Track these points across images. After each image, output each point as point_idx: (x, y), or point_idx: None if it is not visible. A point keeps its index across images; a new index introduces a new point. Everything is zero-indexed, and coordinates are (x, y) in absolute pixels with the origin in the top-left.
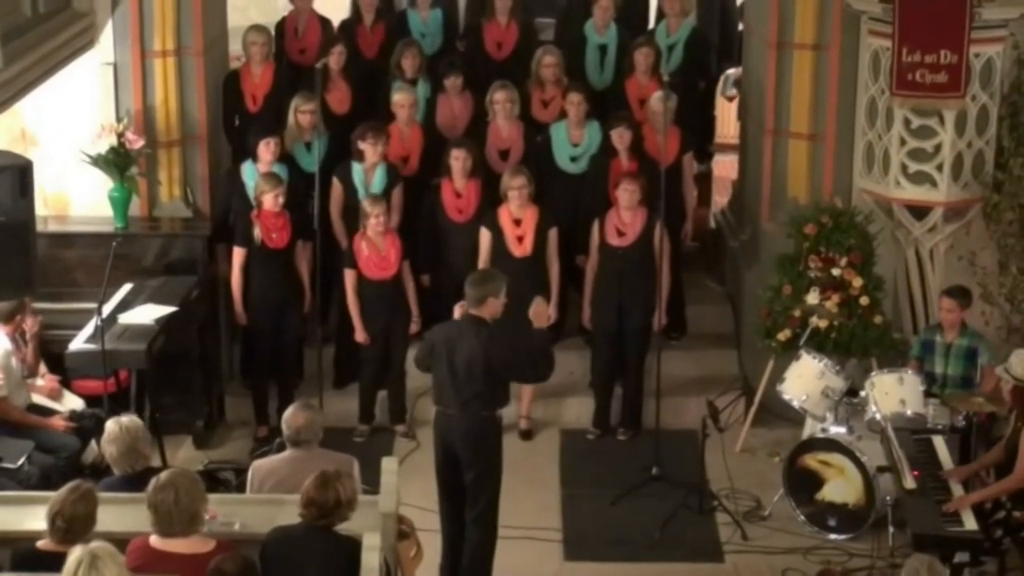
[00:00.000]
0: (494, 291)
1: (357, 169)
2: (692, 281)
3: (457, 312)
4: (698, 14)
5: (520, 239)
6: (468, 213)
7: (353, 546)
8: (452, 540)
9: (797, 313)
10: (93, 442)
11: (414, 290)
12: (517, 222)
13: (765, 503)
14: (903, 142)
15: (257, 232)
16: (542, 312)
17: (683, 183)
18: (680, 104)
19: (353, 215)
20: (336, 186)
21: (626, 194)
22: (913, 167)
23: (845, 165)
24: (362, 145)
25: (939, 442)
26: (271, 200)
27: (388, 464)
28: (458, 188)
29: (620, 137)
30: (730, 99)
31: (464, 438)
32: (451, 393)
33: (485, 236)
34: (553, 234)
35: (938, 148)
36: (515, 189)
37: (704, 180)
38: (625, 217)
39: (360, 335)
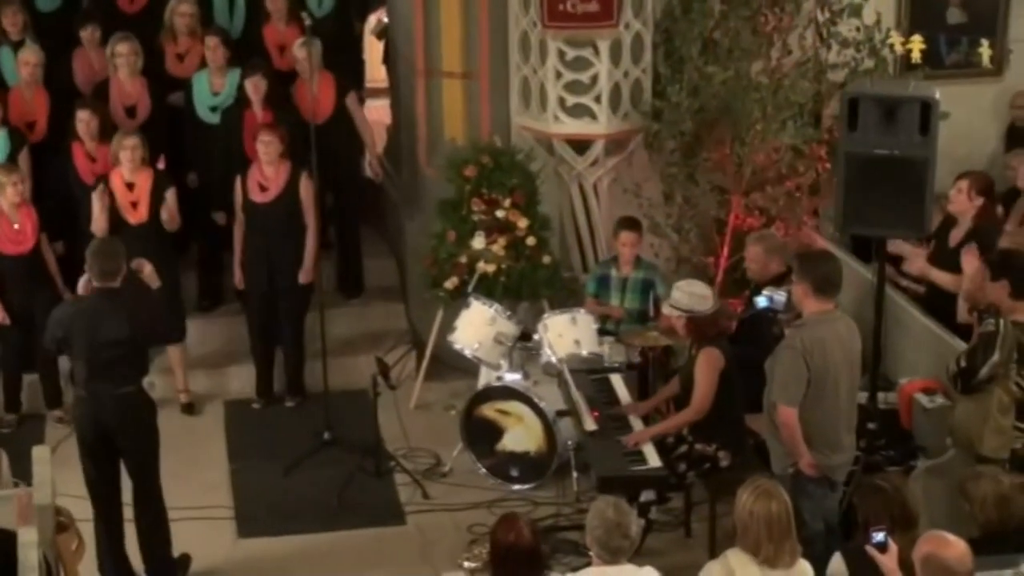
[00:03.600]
0: (124, 259)
1: None
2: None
3: (83, 287)
4: None
5: (134, 204)
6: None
7: (7, 541)
8: (110, 526)
9: (463, 259)
10: None
11: (55, 263)
12: (130, 186)
13: (445, 459)
14: (559, 75)
15: None
16: (149, 272)
17: (357, 124)
18: (331, 48)
19: None
20: None
21: (263, 146)
22: (571, 100)
23: (502, 103)
24: None
25: (617, 380)
26: None
27: (40, 453)
28: (90, 150)
29: (255, 87)
30: (380, 37)
31: (118, 419)
32: (96, 372)
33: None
34: (170, 197)
35: (595, 79)
36: (126, 150)
37: None
38: (267, 172)
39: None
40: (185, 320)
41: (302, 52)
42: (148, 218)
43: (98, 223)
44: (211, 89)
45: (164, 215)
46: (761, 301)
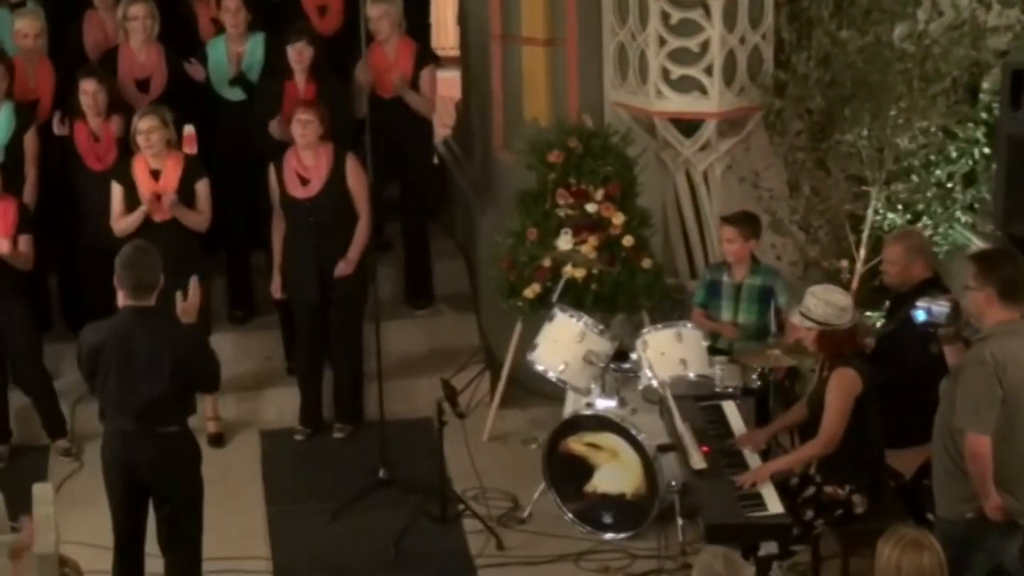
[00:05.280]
0: (161, 270)
1: None
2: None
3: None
4: None
5: (159, 196)
6: (108, 160)
7: None
8: None
9: (547, 263)
10: None
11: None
12: (155, 174)
13: (523, 502)
14: (662, 42)
15: None
16: (190, 306)
17: (418, 101)
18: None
19: None
20: None
21: (300, 127)
22: (676, 72)
23: (593, 75)
24: None
25: (731, 409)
26: None
27: (41, 492)
28: (94, 129)
29: (299, 54)
30: None
31: (154, 465)
32: (127, 407)
33: (117, 192)
34: (202, 188)
35: (705, 46)
36: (143, 134)
37: None
38: (306, 160)
39: None
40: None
41: (378, 9)
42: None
43: (122, 222)
44: (229, 58)
45: (190, 215)
46: (919, 314)
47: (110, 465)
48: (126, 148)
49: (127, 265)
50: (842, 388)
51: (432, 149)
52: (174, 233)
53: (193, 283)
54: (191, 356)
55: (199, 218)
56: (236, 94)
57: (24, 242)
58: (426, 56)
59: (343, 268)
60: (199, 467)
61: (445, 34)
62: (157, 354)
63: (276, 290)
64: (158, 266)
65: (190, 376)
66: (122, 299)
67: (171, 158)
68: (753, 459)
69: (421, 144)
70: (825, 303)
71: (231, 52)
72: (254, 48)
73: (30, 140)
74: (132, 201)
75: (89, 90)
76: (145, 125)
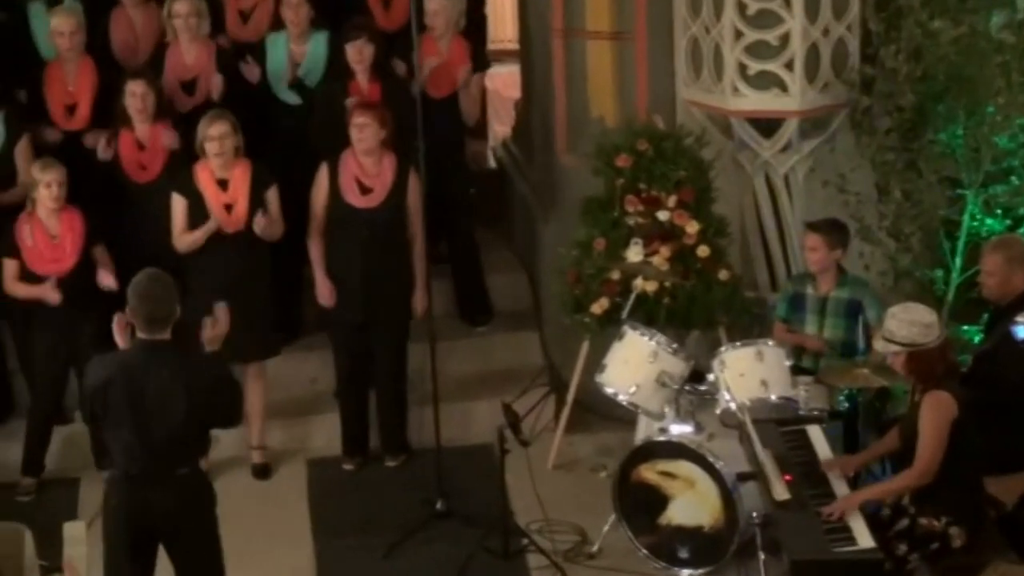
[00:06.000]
0: (177, 301)
1: None
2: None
3: (119, 334)
4: None
5: (228, 207)
6: (154, 170)
7: None
8: None
9: (615, 275)
10: None
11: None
12: (222, 184)
13: (592, 536)
14: (739, 35)
15: None
16: (217, 334)
17: (465, 102)
18: None
19: None
20: None
21: (356, 131)
22: (755, 67)
23: (664, 72)
24: None
25: (816, 434)
26: None
27: (73, 531)
28: (140, 137)
29: (359, 53)
30: None
31: (169, 511)
32: (137, 448)
33: (179, 205)
34: (272, 196)
35: (786, 39)
36: (215, 140)
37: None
38: (368, 166)
39: None
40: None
41: (436, 3)
42: (247, 225)
43: (187, 237)
44: (290, 58)
45: (260, 222)
46: (1020, 330)
47: (116, 514)
48: (174, 156)
49: (142, 296)
50: (937, 413)
51: (465, 153)
52: (246, 245)
53: (221, 310)
54: (207, 388)
55: (278, 228)
56: (293, 96)
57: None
58: (480, 59)
59: (420, 305)
60: (215, 510)
61: (503, 26)
62: (171, 390)
63: (326, 297)
64: (174, 297)
65: (206, 411)
66: (120, 336)
67: (239, 166)
68: (841, 487)
69: (461, 148)
70: (909, 323)
71: (292, 51)
72: (316, 47)
73: (22, 151)
74: (197, 214)
75: (138, 92)
76: (217, 131)
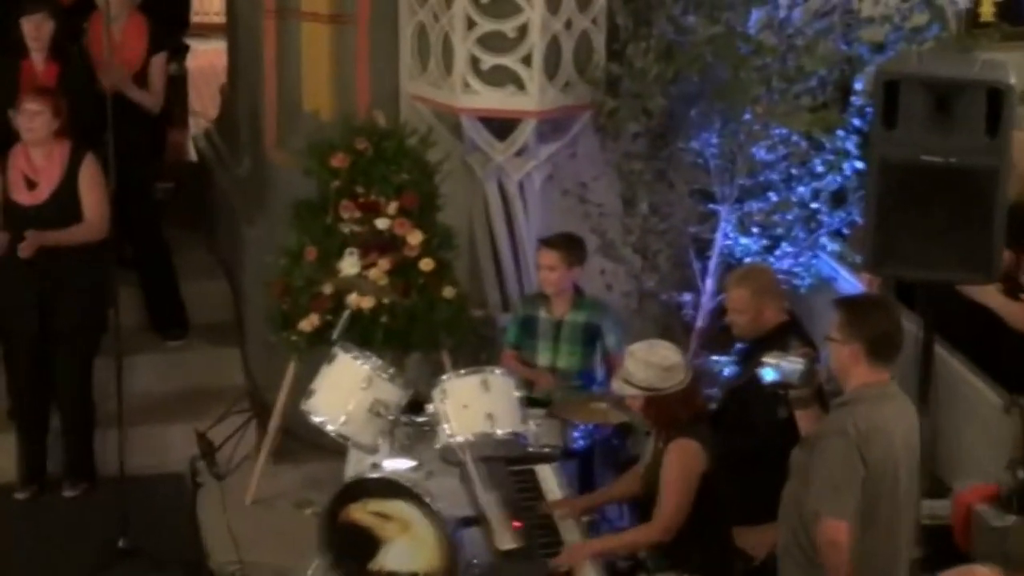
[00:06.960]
0: None
1: None
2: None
3: None
4: None
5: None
6: None
7: None
8: None
9: (327, 290)
10: None
11: None
12: None
13: None
14: (472, 24)
15: None
16: None
17: (143, 98)
18: None
19: None
20: None
21: (27, 119)
22: (488, 61)
23: (388, 62)
24: None
25: (548, 474)
26: None
27: None
28: None
29: (36, 29)
30: None
31: None
32: None
33: None
34: None
35: (523, 32)
36: None
37: (178, 86)
38: (36, 158)
39: None
40: None
41: None
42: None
43: None
44: None
45: None
46: (767, 372)
47: None
48: None
49: None
50: (683, 465)
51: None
52: None
53: None
54: None
55: None
56: None
57: None
58: (160, 40)
59: (26, 250)
60: None
61: None
62: None
63: None
64: None
65: None
66: None
67: None
68: (570, 531)
69: (145, 138)
70: (646, 364)
71: None
72: None
73: None
74: None
75: None
76: None
